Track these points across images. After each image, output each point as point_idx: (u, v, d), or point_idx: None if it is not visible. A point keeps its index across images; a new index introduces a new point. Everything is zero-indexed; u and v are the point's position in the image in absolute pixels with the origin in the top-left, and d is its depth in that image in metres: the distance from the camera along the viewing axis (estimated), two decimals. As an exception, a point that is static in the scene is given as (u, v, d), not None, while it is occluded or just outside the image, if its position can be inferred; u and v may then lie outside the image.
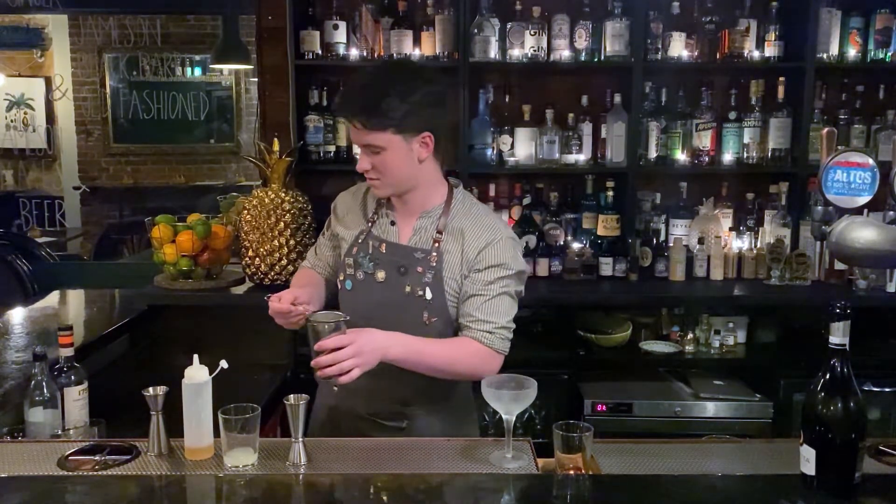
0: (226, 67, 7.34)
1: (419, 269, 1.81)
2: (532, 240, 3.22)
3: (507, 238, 1.84)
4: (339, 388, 1.71)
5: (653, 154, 3.26)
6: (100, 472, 1.55)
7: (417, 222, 1.86)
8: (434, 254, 1.81)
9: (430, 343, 1.76)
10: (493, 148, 3.29)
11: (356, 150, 3.28)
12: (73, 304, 3.23)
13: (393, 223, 1.89)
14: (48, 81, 8.09)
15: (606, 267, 3.20)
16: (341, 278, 1.91)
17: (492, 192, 3.36)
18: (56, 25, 7.95)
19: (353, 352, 1.61)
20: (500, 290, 1.80)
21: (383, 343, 1.67)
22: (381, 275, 1.84)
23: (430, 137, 1.78)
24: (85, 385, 1.86)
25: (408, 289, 1.80)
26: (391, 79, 1.77)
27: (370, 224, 1.91)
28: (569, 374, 2.93)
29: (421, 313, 1.80)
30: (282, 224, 2.78)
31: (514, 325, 1.83)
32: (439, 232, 1.84)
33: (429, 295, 1.79)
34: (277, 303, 1.76)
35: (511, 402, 1.58)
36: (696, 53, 3.22)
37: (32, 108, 8.15)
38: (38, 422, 1.80)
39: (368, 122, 1.72)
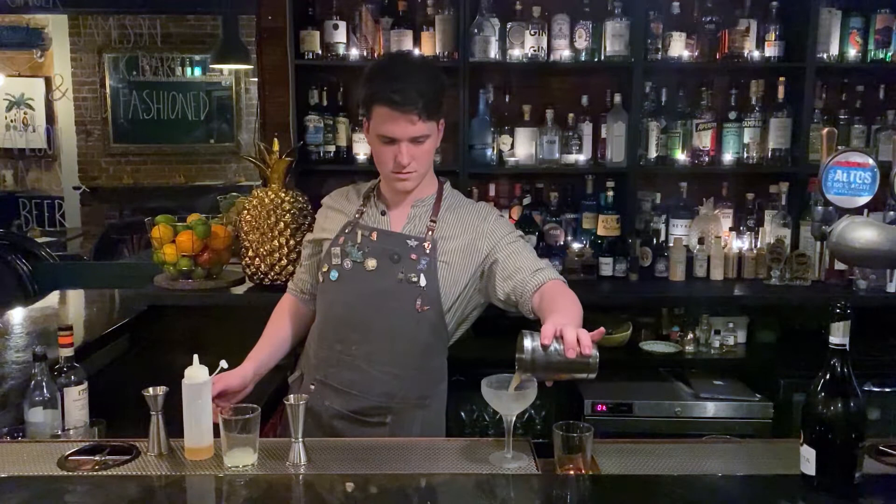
0: (226, 67, 7.34)
1: (413, 257, 1.81)
2: (532, 240, 3.22)
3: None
4: (315, 385, 1.87)
5: (653, 154, 3.26)
6: (100, 472, 1.55)
7: (412, 210, 1.88)
8: (428, 242, 1.82)
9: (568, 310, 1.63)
10: (493, 148, 3.29)
11: (356, 149, 3.29)
12: (73, 304, 3.22)
13: (384, 213, 1.90)
14: (48, 81, 8.09)
15: (606, 267, 3.20)
16: (325, 270, 1.89)
17: (492, 192, 3.35)
18: (56, 25, 7.95)
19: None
20: (522, 240, 1.89)
21: None
22: (371, 263, 1.83)
23: (443, 122, 1.83)
24: (85, 385, 1.86)
25: (400, 276, 1.80)
26: (422, 67, 1.80)
27: (358, 215, 1.91)
28: (569, 374, 2.93)
29: (414, 301, 1.80)
30: (282, 224, 2.77)
31: None
32: (433, 220, 1.86)
33: (423, 282, 1.80)
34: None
35: (511, 402, 1.58)
36: (696, 53, 3.22)
37: (32, 108, 8.14)
38: (38, 422, 1.79)
39: (427, 112, 1.74)
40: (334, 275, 1.86)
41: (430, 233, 1.84)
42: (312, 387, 1.89)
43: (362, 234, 1.86)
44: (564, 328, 1.44)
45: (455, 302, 1.86)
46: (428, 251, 1.82)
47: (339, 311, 1.88)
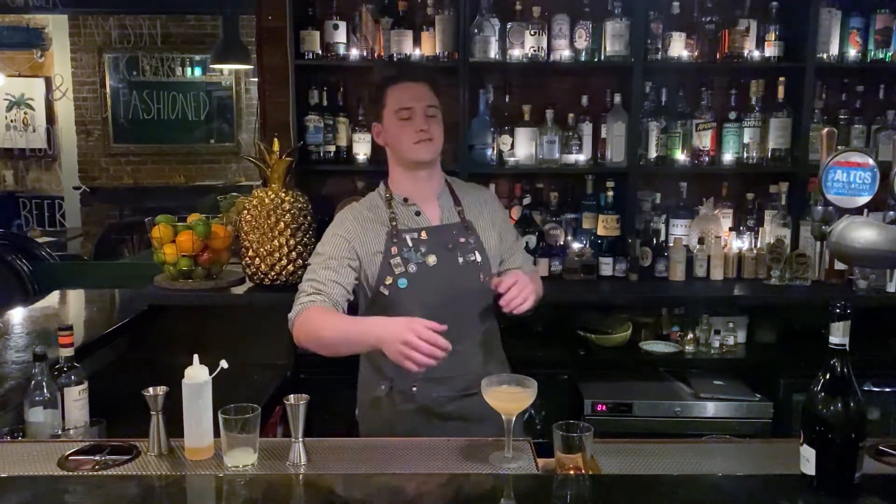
0: (226, 67, 7.35)
1: (462, 240, 2.03)
2: (532, 240, 3.22)
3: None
4: (417, 386, 1.95)
5: (653, 154, 3.26)
6: (100, 472, 1.55)
7: (440, 202, 2.08)
8: (466, 223, 2.06)
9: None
10: (493, 148, 3.29)
11: (356, 149, 3.30)
12: (73, 304, 3.23)
13: (418, 213, 2.05)
14: (48, 81, 8.09)
15: (606, 267, 3.20)
16: (388, 283, 1.97)
17: (492, 192, 3.35)
18: (56, 25, 7.95)
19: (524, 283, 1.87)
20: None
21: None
22: (431, 259, 1.99)
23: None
24: (85, 385, 1.86)
25: (461, 260, 2.01)
26: None
27: (394, 223, 2.01)
28: (569, 374, 2.93)
29: (477, 276, 2.02)
30: (282, 224, 2.78)
31: None
32: (458, 206, 2.08)
33: (479, 258, 2.03)
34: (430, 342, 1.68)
35: (511, 402, 1.58)
36: (696, 53, 3.22)
37: (32, 108, 8.15)
38: (38, 422, 1.80)
39: (434, 90, 2.03)
40: (403, 283, 1.97)
41: (462, 215, 2.07)
42: (415, 388, 1.99)
43: (410, 237, 2.00)
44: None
45: (494, 266, 2.08)
46: (470, 231, 2.05)
47: (421, 312, 1.92)
